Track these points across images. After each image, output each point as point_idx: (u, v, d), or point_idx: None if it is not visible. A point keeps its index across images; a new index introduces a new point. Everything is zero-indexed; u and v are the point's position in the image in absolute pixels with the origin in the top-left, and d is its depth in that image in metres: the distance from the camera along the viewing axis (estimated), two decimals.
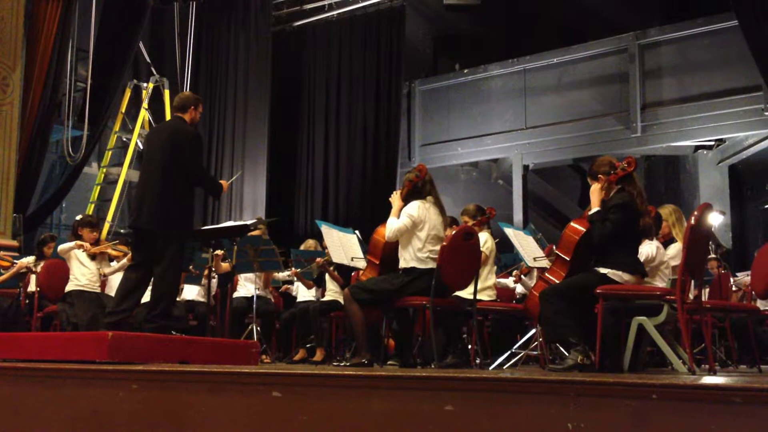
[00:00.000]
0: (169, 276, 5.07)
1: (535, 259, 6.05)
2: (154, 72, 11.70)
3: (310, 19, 13.13)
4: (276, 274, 8.10)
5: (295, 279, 8.17)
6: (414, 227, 5.03)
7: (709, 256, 7.57)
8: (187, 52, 11.94)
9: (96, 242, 6.97)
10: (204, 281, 7.62)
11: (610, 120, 11.58)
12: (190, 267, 7.33)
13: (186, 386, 3.27)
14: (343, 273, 7.34)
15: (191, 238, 6.08)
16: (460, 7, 12.22)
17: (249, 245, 7.07)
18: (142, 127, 11.40)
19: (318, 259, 7.45)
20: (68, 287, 6.78)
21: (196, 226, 11.26)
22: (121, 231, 10.53)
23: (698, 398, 2.40)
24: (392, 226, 5.06)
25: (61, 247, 6.88)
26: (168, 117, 11.49)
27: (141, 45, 11.46)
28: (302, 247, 8.12)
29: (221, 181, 5.64)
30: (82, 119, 10.33)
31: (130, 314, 5.18)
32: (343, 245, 6.09)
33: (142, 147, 11.71)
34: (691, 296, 4.53)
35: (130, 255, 6.33)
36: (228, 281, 7.87)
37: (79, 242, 6.84)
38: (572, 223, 4.82)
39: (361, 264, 5.93)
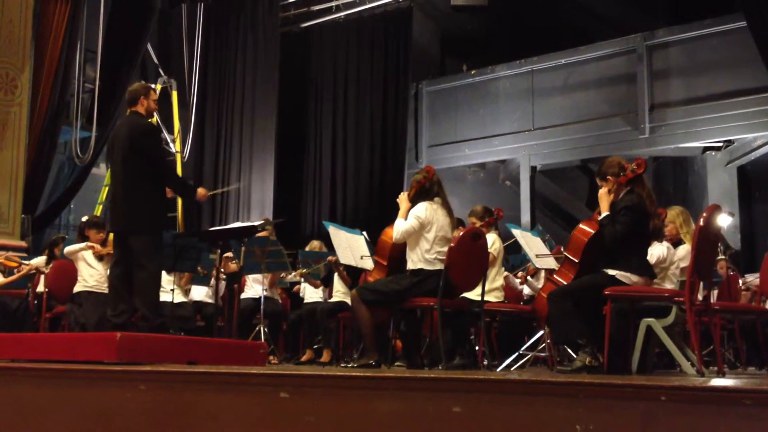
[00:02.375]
0: (148, 275, 5.09)
1: (537, 256, 6.03)
2: (162, 73, 11.72)
3: (317, 21, 13.13)
4: (282, 275, 8.10)
5: (302, 279, 8.17)
6: (422, 228, 5.03)
7: (718, 258, 7.54)
8: (195, 53, 11.97)
9: (103, 243, 6.98)
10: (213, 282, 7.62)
11: (618, 121, 11.53)
12: (198, 267, 7.34)
13: (194, 387, 3.27)
14: (352, 273, 7.34)
15: (196, 236, 6.11)
16: (467, 8, 12.19)
17: (257, 246, 7.08)
18: None
19: (330, 257, 7.44)
20: (76, 288, 6.79)
21: (204, 228, 11.33)
22: None
23: (707, 400, 2.39)
24: (400, 227, 5.06)
25: (69, 248, 6.89)
26: (176, 119, 11.54)
27: (149, 46, 11.48)
28: (307, 248, 8.12)
29: (199, 189, 5.64)
30: (91, 120, 10.34)
31: (132, 314, 5.19)
32: (350, 246, 6.09)
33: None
34: (699, 298, 4.51)
35: None
36: (235, 282, 7.88)
37: (89, 243, 6.86)
38: (581, 225, 4.82)
39: (369, 265, 5.93)
